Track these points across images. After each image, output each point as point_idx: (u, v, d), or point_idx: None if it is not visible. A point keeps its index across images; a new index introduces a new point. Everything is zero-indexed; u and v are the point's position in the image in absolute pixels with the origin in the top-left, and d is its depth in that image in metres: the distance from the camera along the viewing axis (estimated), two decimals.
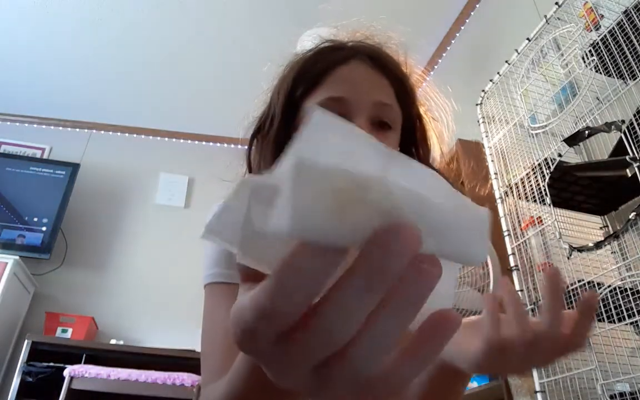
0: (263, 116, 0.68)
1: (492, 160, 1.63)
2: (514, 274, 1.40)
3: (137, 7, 2.71)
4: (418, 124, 0.66)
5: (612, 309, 1.13)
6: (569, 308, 1.20)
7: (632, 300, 1.11)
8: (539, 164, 1.42)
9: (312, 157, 0.18)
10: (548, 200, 1.36)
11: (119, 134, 3.62)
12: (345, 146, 0.20)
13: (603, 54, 1.31)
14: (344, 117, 0.54)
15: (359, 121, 0.58)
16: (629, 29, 1.26)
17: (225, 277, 0.60)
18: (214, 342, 0.58)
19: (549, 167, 1.38)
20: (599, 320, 1.16)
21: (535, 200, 1.41)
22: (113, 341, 2.64)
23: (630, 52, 1.23)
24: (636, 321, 1.10)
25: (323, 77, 0.61)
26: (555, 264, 1.34)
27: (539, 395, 1.23)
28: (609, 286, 1.15)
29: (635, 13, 1.26)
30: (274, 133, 0.64)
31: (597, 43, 1.34)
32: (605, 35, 1.32)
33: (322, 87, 0.60)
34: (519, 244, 1.43)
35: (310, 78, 0.62)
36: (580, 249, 1.25)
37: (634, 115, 1.16)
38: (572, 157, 1.49)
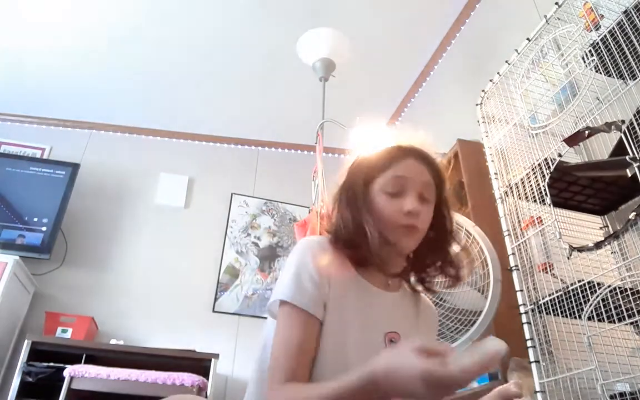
0: (342, 189, 0.94)
1: (492, 160, 1.62)
2: (514, 274, 1.40)
3: (138, 8, 2.71)
4: (445, 201, 0.96)
5: (612, 309, 1.13)
6: (569, 308, 1.20)
7: (632, 300, 1.11)
8: (539, 164, 1.41)
9: None
10: (548, 200, 1.36)
11: (119, 134, 3.62)
12: None
13: (603, 54, 1.31)
14: (402, 190, 0.88)
15: (412, 193, 0.87)
16: (629, 29, 1.26)
17: (305, 305, 0.79)
18: (288, 354, 0.76)
19: (549, 167, 1.38)
20: (599, 320, 1.15)
21: (535, 200, 1.41)
22: (113, 341, 2.64)
23: (630, 52, 1.23)
24: (636, 321, 1.10)
25: (390, 165, 0.90)
26: (555, 264, 1.34)
27: (539, 395, 1.23)
28: (609, 286, 1.15)
29: (635, 13, 1.26)
30: (351, 200, 0.91)
31: (597, 43, 1.34)
32: (605, 35, 1.32)
33: (390, 170, 0.90)
34: (519, 244, 1.43)
35: (382, 165, 0.91)
36: (580, 249, 1.25)
37: (634, 115, 1.16)
38: (572, 157, 1.49)
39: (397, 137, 0.96)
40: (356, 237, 0.85)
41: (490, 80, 1.74)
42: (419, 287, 0.97)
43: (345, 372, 0.76)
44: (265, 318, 0.91)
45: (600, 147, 1.39)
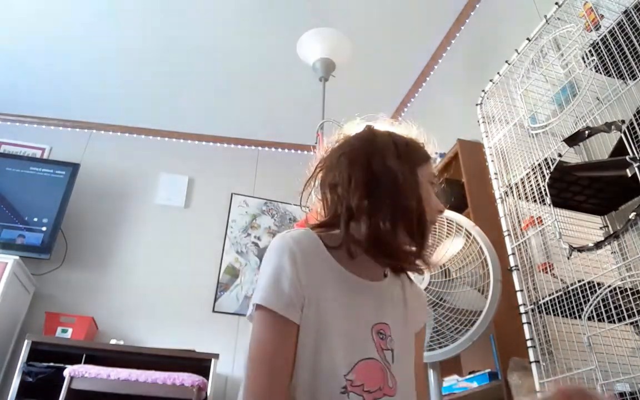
0: (339, 176, 0.87)
1: (492, 160, 1.62)
2: (514, 274, 1.40)
3: (138, 8, 2.71)
4: None
5: (612, 309, 1.13)
6: (569, 308, 1.20)
7: (632, 300, 1.11)
8: (539, 164, 1.41)
9: None
10: (548, 200, 1.36)
11: (119, 134, 3.62)
12: None
13: (603, 54, 1.31)
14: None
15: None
16: (629, 29, 1.25)
17: (282, 310, 0.73)
18: (266, 370, 0.72)
19: (549, 167, 1.38)
20: (599, 320, 1.15)
21: (535, 200, 1.41)
22: (113, 341, 2.64)
23: (630, 52, 1.23)
24: (636, 321, 1.10)
25: (428, 160, 0.89)
26: (555, 264, 1.34)
27: (539, 395, 1.23)
28: (609, 286, 1.15)
29: (635, 13, 1.26)
30: (395, 183, 0.81)
31: (597, 43, 1.34)
32: (605, 35, 1.32)
33: (429, 164, 0.88)
34: (519, 244, 1.43)
35: (425, 155, 0.89)
36: (580, 249, 1.25)
37: (634, 115, 1.16)
38: (572, 157, 1.49)
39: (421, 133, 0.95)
40: (388, 229, 0.78)
41: (490, 80, 1.74)
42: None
43: (332, 373, 0.73)
44: None
45: (600, 147, 1.39)
